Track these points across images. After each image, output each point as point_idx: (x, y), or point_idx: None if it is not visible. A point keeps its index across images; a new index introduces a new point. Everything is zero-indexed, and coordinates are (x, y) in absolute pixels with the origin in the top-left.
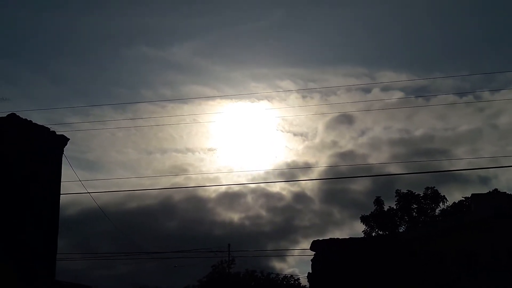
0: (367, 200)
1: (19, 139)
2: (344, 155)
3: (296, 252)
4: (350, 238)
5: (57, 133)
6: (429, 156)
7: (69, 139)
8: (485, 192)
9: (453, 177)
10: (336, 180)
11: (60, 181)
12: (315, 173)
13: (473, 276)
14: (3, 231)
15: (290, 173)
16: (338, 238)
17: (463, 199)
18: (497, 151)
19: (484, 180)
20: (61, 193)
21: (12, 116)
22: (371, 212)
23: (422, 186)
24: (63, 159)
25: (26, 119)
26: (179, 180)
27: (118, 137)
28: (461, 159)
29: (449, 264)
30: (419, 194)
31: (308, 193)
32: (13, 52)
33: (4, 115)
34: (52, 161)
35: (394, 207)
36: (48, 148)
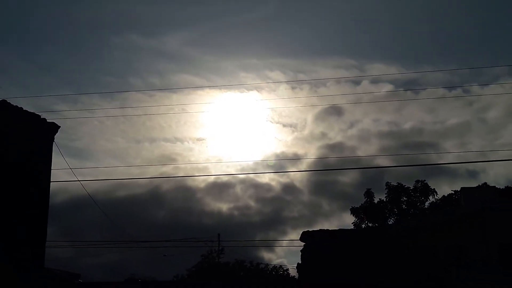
0: (356, 192)
1: (10, 126)
2: (333, 147)
3: (285, 243)
4: (339, 229)
5: (47, 120)
6: (418, 149)
7: (59, 126)
8: (474, 185)
9: (441, 171)
10: (325, 172)
11: (50, 169)
12: (304, 165)
13: (463, 269)
14: None
15: (279, 164)
16: (327, 230)
17: (453, 192)
18: (485, 145)
19: (473, 174)
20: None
21: (3, 103)
22: (361, 204)
23: (411, 178)
24: (53, 146)
25: (16, 106)
26: (168, 169)
27: (107, 126)
28: (450, 153)
29: (439, 258)
30: (409, 187)
31: (297, 184)
32: (1, 40)
33: None
34: (43, 149)
35: (384, 200)
36: (38, 135)
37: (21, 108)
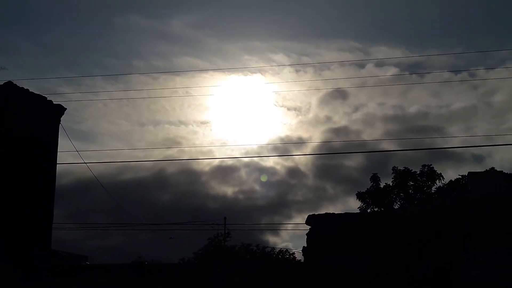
0: (361, 176)
1: (17, 107)
2: (338, 131)
3: (290, 227)
4: (345, 213)
5: (54, 102)
6: (423, 133)
7: (66, 108)
8: (480, 170)
9: (447, 155)
10: (330, 156)
11: (56, 150)
12: (308, 148)
13: (470, 254)
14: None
15: (283, 147)
16: (333, 213)
17: (460, 177)
18: (491, 129)
19: (478, 158)
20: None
21: (9, 85)
22: (367, 188)
23: (416, 163)
24: (59, 128)
25: (23, 88)
26: (173, 152)
27: (111, 108)
28: (455, 137)
29: (446, 242)
30: (416, 172)
31: (302, 168)
32: (5, 22)
33: (1, 83)
34: (49, 130)
35: (390, 184)
36: (45, 117)
37: (27, 90)
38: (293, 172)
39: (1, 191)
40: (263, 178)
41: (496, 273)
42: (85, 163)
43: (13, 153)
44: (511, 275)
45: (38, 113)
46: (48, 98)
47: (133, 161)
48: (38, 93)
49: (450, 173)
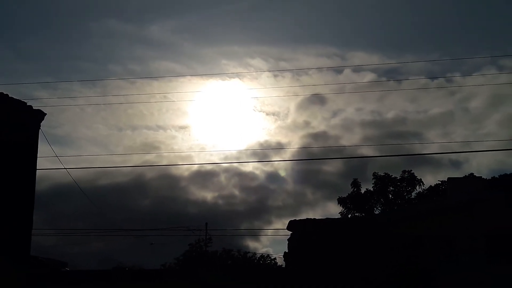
0: (340, 181)
1: None
2: (316, 136)
3: (270, 232)
4: (327, 218)
5: (33, 107)
6: (402, 138)
7: (46, 114)
8: (457, 175)
9: (425, 160)
10: (309, 161)
11: (36, 156)
12: (288, 153)
13: (450, 259)
14: None
15: (262, 153)
16: (314, 219)
17: (439, 182)
18: (468, 135)
19: (456, 164)
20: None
21: None
22: (348, 194)
23: (395, 168)
24: (39, 134)
25: (2, 93)
26: (151, 157)
27: (88, 113)
28: (433, 143)
29: (426, 247)
30: (396, 177)
31: (281, 173)
32: None
33: None
34: (29, 136)
35: (371, 190)
36: (25, 122)
37: (7, 94)
38: (273, 177)
39: None
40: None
41: (476, 278)
42: (65, 168)
43: None
44: (491, 279)
45: (18, 119)
46: (27, 103)
47: (112, 166)
48: (17, 98)
49: (428, 178)
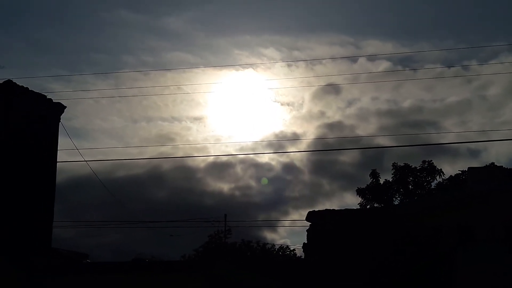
0: (356, 172)
1: (17, 106)
2: (332, 126)
3: (287, 223)
4: (346, 209)
5: (53, 101)
6: (418, 127)
7: (65, 106)
8: (475, 164)
9: (442, 150)
10: (325, 151)
11: (57, 149)
12: (303, 144)
13: (468, 248)
14: (1, 197)
15: (278, 144)
16: (334, 209)
17: (460, 172)
18: (486, 123)
19: (474, 153)
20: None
21: (9, 83)
22: (367, 184)
23: (411, 158)
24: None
25: (22, 86)
26: (167, 149)
27: (102, 105)
28: (450, 133)
29: (445, 238)
30: (416, 167)
31: (297, 163)
32: None
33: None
34: (49, 129)
35: (390, 180)
36: (45, 115)
37: (27, 88)
38: (289, 168)
39: (1, 190)
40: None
41: (495, 267)
42: (86, 161)
43: (14, 152)
44: (509, 269)
45: (38, 112)
46: (48, 97)
47: (130, 158)
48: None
49: (446, 168)
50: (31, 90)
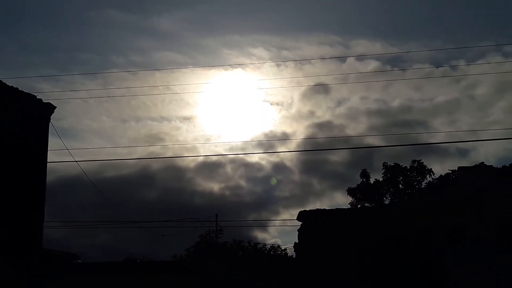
0: (346, 171)
1: (7, 106)
2: (321, 126)
3: (278, 223)
4: (337, 208)
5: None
6: (407, 127)
7: (55, 107)
8: (466, 164)
9: (432, 149)
10: (315, 151)
11: (47, 149)
12: (293, 144)
13: (460, 247)
14: None
15: (268, 143)
16: (325, 209)
17: (450, 172)
18: (475, 123)
19: (463, 152)
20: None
21: None
22: (358, 184)
23: (401, 157)
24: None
25: (12, 86)
26: (156, 149)
27: (91, 105)
28: (440, 132)
29: (436, 237)
30: (406, 167)
31: (287, 163)
32: None
33: None
34: (40, 129)
35: (381, 180)
36: (35, 115)
37: (17, 88)
38: (279, 167)
39: None
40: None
41: (486, 266)
42: (76, 161)
43: (4, 152)
44: (502, 269)
45: (28, 112)
46: (37, 97)
47: (120, 159)
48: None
49: (436, 167)
50: (21, 91)
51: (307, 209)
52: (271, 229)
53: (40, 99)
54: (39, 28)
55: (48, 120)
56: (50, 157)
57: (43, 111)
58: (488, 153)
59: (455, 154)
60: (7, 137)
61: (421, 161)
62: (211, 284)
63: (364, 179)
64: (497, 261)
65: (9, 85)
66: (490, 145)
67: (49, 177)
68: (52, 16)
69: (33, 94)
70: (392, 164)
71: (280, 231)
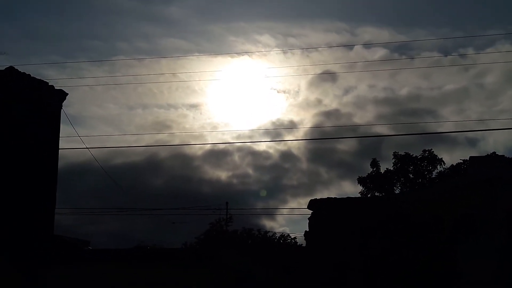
0: (354, 160)
1: (19, 93)
2: (329, 114)
3: (287, 211)
4: (347, 197)
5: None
6: (416, 116)
7: (67, 93)
8: (475, 153)
9: (440, 138)
10: (323, 140)
11: (58, 136)
12: (300, 132)
13: (471, 237)
14: (2, 185)
15: (275, 132)
16: (335, 198)
17: (461, 161)
18: (484, 112)
19: (472, 142)
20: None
21: (11, 69)
22: (368, 173)
23: (409, 146)
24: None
25: (24, 73)
26: (163, 136)
27: (97, 92)
28: (448, 121)
29: (447, 225)
30: (416, 156)
31: (295, 151)
32: None
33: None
34: (51, 116)
35: (392, 169)
36: (47, 102)
37: (29, 75)
38: (286, 156)
39: (5, 179)
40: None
41: (497, 255)
42: (87, 148)
43: (16, 139)
44: (511, 256)
45: (40, 98)
46: (49, 83)
47: (129, 146)
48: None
49: (445, 157)
50: (33, 77)
51: (317, 198)
52: (279, 218)
53: (52, 86)
54: (45, 14)
55: (60, 107)
56: (61, 144)
57: (55, 98)
58: (497, 142)
59: (464, 143)
60: (19, 124)
61: (432, 150)
62: (221, 272)
63: (375, 169)
64: (508, 250)
65: (21, 71)
66: (499, 134)
67: (59, 164)
68: (57, 2)
69: (45, 80)
70: (403, 154)
71: (288, 219)
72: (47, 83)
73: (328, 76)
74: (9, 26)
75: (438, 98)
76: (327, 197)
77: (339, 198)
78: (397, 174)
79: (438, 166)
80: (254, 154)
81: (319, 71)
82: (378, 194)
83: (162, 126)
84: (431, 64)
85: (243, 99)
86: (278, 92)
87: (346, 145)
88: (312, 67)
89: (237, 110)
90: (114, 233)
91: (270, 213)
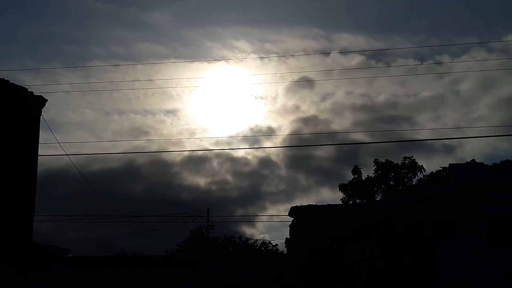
0: (332, 167)
1: None
2: (307, 120)
3: (266, 218)
4: (328, 204)
5: (34, 93)
6: (393, 122)
7: (47, 100)
8: (452, 160)
9: (417, 145)
10: (301, 147)
11: (38, 143)
12: (279, 139)
13: (450, 242)
14: None
15: (254, 138)
16: (316, 205)
17: (441, 169)
18: (459, 118)
19: (449, 149)
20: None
21: None
22: (350, 180)
23: (387, 153)
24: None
25: (3, 79)
26: (141, 143)
27: (73, 97)
28: (425, 129)
29: (427, 233)
30: (397, 163)
31: (274, 158)
32: None
33: None
34: (31, 122)
35: (372, 176)
36: (26, 108)
37: (8, 80)
38: (265, 162)
39: None
40: None
41: (476, 261)
42: (67, 154)
43: None
44: (492, 263)
45: (19, 104)
46: (29, 89)
47: (107, 153)
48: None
49: (423, 164)
50: (12, 83)
51: (298, 205)
52: (259, 224)
53: (32, 92)
54: (19, 18)
55: (39, 113)
56: (39, 150)
57: (35, 104)
58: (474, 149)
59: (441, 150)
60: None
61: (413, 158)
62: (203, 280)
63: (356, 176)
64: (487, 256)
65: (0, 77)
66: (476, 141)
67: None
68: (30, 5)
69: (24, 86)
70: (384, 161)
71: (268, 226)
72: (27, 89)
73: (305, 83)
74: None
75: (415, 105)
76: (308, 204)
77: (320, 205)
78: (378, 181)
79: (419, 174)
80: (233, 160)
81: (296, 78)
82: (359, 201)
83: (139, 132)
84: (407, 71)
85: (221, 105)
86: (256, 98)
87: (324, 152)
88: (289, 73)
89: (215, 116)
90: (93, 241)
91: (250, 220)
